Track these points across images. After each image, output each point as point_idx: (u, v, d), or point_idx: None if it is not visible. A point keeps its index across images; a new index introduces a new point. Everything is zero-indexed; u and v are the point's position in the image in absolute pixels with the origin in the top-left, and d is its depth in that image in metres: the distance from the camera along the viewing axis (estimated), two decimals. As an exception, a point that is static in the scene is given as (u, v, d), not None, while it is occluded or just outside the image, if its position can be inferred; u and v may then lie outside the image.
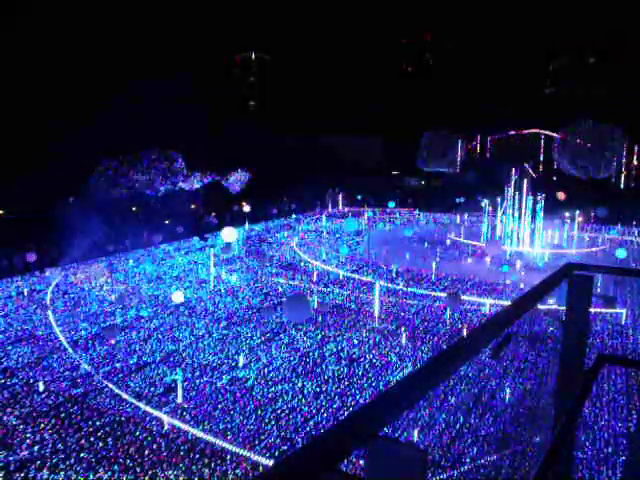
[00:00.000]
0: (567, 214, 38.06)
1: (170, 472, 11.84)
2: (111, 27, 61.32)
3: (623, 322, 21.06)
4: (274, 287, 26.50)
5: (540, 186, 36.03)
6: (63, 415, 14.16)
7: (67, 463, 12.10)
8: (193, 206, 48.61)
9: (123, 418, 14.07)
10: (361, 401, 15.02)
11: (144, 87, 51.33)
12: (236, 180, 51.78)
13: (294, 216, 51.57)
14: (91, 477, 11.70)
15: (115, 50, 58.66)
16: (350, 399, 15.09)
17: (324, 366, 17.20)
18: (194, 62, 68.93)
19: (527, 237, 35.74)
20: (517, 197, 35.84)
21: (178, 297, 22.33)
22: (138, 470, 11.90)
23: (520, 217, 35.80)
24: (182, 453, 12.55)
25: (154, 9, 69.92)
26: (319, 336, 19.69)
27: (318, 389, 15.63)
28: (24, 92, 47.22)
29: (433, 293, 25.20)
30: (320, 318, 21.22)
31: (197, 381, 16.15)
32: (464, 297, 22.80)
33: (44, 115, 46.57)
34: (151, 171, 43.56)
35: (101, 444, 12.83)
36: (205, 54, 73.57)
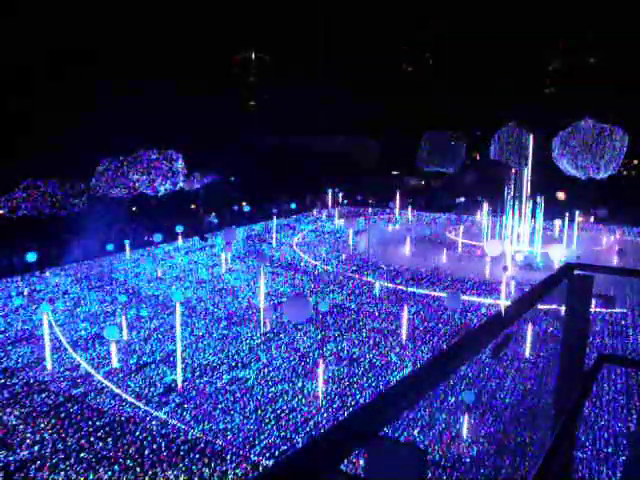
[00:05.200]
0: (567, 214, 37.96)
1: (170, 472, 11.84)
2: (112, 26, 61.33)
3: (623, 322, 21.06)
4: (274, 287, 26.49)
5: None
6: (63, 415, 14.18)
7: (67, 463, 12.10)
8: (193, 206, 48.60)
9: (123, 418, 14.08)
10: (361, 401, 15.02)
11: (144, 87, 51.35)
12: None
13: (295, 216, 51.55)
14: (91, 477, 11.71)
15: (115, 49, 58.65)
16: (350, 399, 15.10)
17: (324, 366, 17.19)
18: (194, 61, 68.97)
19: (527, 237, 35.70)
20: (517, 197, 35.79)
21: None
22: (138, 470, 11.90)
23: (521, 217, 35.76)
24: (182, 453, 12.55)
25: (154, 8, 69.92)
26: (319, 336, 19.69)
27: (318, 389, 15.63)
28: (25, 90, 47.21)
29: (433, 293, 25.21)
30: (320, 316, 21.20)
31: (197, 381, 16.16)
32: (464, 297, 22.78)
33: (44, 114, 46.58)
34: (151, 171, 43.55)
35: (101, 444, 12.84)
36: (205, 53, 73.58)
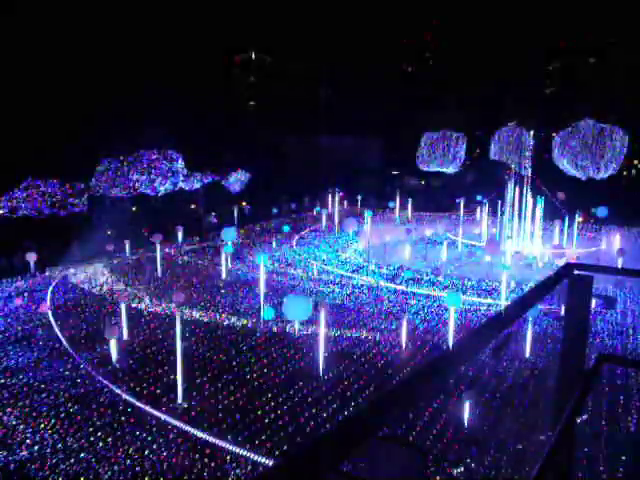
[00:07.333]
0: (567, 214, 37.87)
1: (171, 472, 11.83)
2: (112, 27, 61.29)
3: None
4: (274, 287, 26.45)
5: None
6: (63, 415, 14.16)
7: (67, 463, 12.09)
8: (193, 206, 48.57)
9: (123, 418, 14.06)
10: (361, 401, 15.01)
11: (145, 87, 51.35)
12: (236, 180, 51.68)
13: (294, 216, 51.52)
14: (91, 477, 11.70)
15: (117, 51, 58.61)
16: (350, 399, 15.08)
17: (324, 366, 17.18)
18: (195, 62, 68.98)
19: (527, 237, 35.67)
20: (517, 197, 35.75)
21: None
22: (138, 470, 11.89)
23: (520, 217, 35.73)
24: (182, 453, 12.54)
25: (156, 9, 69.98)
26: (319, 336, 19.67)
27: (317, 389, 15.62)
28: (25, 94, 47.18)
29: (433, 293, 25.18)
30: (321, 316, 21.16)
31: (197, 381, 16.14)
32: (464, 297, 22.74)
33: (44, 116, 46.54)
34: (151, 171, 43.44)
35: (101, 444, 12.82)
36: (206, 54, 73.62)
